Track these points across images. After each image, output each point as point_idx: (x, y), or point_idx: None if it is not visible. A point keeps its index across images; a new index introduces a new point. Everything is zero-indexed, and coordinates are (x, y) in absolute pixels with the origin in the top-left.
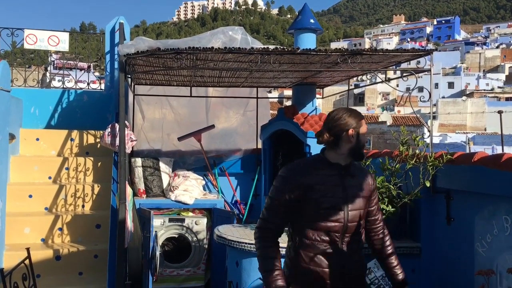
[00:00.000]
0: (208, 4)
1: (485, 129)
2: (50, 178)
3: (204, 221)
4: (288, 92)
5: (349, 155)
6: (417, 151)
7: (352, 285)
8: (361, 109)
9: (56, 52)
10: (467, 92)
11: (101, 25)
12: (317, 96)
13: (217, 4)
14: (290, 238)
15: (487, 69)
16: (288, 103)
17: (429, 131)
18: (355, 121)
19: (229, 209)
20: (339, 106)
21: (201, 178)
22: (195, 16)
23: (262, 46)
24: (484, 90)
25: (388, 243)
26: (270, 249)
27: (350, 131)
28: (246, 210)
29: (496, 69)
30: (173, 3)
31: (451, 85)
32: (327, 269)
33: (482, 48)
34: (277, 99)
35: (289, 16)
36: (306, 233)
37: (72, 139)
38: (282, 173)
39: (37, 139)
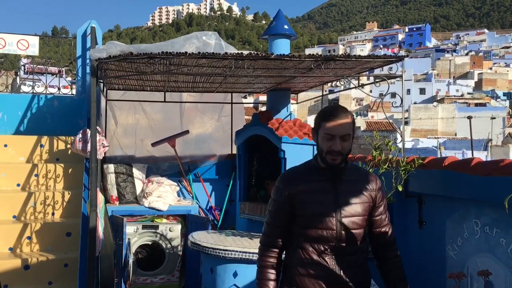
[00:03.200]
0: (183, 10)
1: (456, 134)
2: (18, 185)
3: (178, 227)
4: (263, 98)
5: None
6: (390, 156)
7: None
8: None
9: (27, 57)
10: (438, 98)
11: (75, 29)
12: (292, 101)
13: (192, 10)
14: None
15: (457, 76)
16: (263, 108)
17: (401, 136)
18: (318, 120)
19: (203, 215)
20: (313, 112)
21: (175, 184)
22: (170, 21)
23: (236, 51)
24: (454, 96)
25: (399, 269)
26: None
27: (313, 131)
28: (221, 216)
29: (465, 76)
30: (147, 8)
31: (422, 91)
32: (319, 280)
33: (452, 55)
34: (252, 105)
35: (264, 22)
36: (299, 242)
37: (42, 145)
38: (276, 183)
39: (5, 145)
